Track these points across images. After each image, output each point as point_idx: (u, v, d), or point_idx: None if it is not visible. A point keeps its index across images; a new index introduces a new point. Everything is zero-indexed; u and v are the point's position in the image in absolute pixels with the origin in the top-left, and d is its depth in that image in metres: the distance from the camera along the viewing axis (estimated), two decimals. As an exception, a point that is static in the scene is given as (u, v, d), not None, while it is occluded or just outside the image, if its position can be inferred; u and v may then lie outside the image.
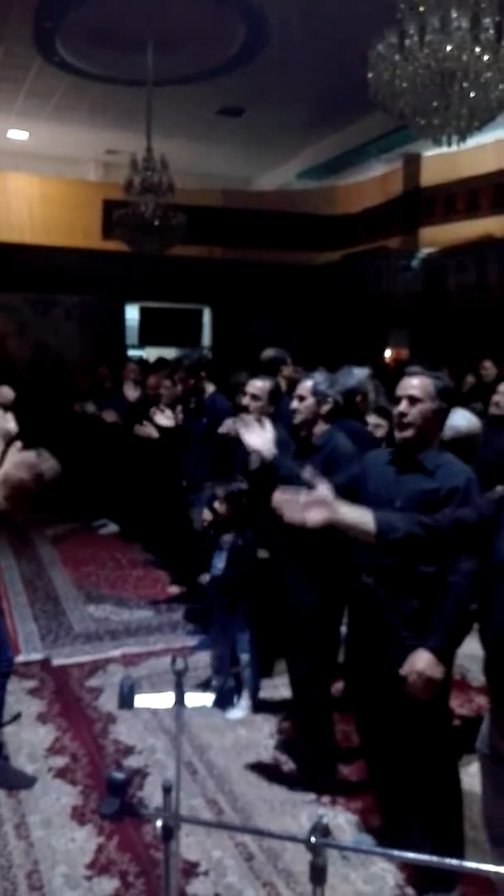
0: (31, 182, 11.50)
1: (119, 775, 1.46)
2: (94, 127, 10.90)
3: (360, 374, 3.75)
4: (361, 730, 2.90)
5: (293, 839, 1.31)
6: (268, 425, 3.05)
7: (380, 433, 3.85)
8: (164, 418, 4.78)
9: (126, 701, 1.53)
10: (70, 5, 7.40)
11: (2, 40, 8.19)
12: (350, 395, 3.64)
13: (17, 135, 11.22)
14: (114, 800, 1.43)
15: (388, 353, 11.01)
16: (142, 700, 1.59)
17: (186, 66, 8.73)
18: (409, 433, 2.62)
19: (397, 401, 2.68)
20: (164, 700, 1.60)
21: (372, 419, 3.89)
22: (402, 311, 10.83)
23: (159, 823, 1.65)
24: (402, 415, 2.63)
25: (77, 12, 7.51)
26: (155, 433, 4.91)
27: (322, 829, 1.31)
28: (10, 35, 8.04)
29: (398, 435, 2.67)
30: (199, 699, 1.50)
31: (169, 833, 1.64)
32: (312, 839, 1.29)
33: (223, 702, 3.61)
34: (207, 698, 1.48)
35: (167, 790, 1.65)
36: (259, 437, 3.01)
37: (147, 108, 8.44)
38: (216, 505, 4.00)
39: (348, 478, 2.80)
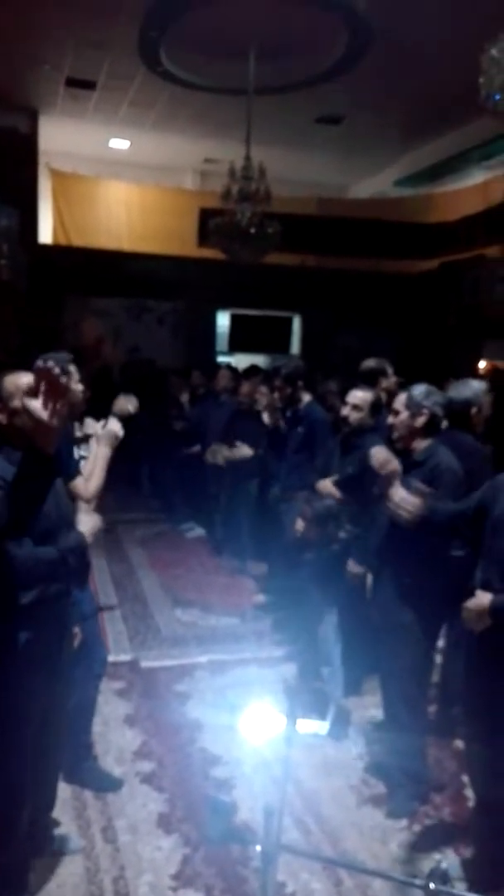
0: (130, 190, 11.76)
1: (225, 799, 1.42)
2: (193, 136, 11.06)
3: (476, 385, 3.61)
4: (471, 767, 2.77)
5: (411, 884, 1.24)
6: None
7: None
8: (268, 416, 4.72)
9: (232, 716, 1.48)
10: (176, 15, 7.52)
11: (108, 51, 8.40)
12: (464, 406, 3.52)
13: (119, 143, 11.50)
14: (218, 824, 1.39)
15: (482, 365, 10.70)
16: (249, 723, 1.53)
17: (287, 75, 8.74)
18: None
19: None
20: (274, 725, 1.54)
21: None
22: (500, 321, 10.50)
23: (258, 848, 1.60)
24: None
25: (182, 22, 7.62)
26: (249, 453, 4.89)
27: (441, 875, 1.23)
28: (117, 46, 8.24)
29: None
30: (313, 726, 1.43)
31: (269, 860, 1.58)
32: (431, 885, 1.21)
33: (336, 731, 3.50)
34: (322, 727, 1.41)
35: (269, 815, 1.59)
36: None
37: (247, 117, 8.48)
38: (299, 525, 3.94)
39: (475, 500, 2.68)
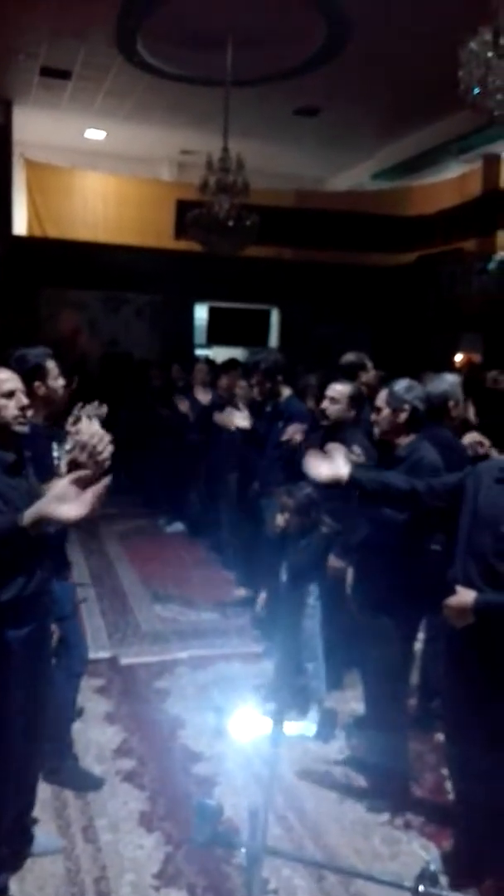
0: (107, 181, 11.63)
1: (211, 803, 1.40)
2: (170, 127, 10.95)
3: (451, 379, 3.60)
4: (450, 761, 2.78)
5: (399, 886, 1.23)
6: (336, 453, 2.79)
7: (482, 451, 3.62)
8: (241, 419, 4.70)
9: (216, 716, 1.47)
10: (153, 4, 7.42)
11: (84, 40, 8.27)
12: (441, 401, 3.51)
13: (95, 134, 11.35)
14: (205, 827, 1.37)
15: (458, 358, 10.76)
16: (236, 726, 1.52)
17: (265, 66, 8.67)
18: None
19: None
20: (259, 727, 1.52)
21: (469, 437, 3.65)
22: (476, 314, 10.56)
23: (244, 850, 1.58)
24: None
25: (160, 12, 7.53)
26: (233, 424, 4.86)
27: (430, 877, 1.22)
28: (93, 35, 8.11)
29: None
30: (300, 728, 1.41)
31: (254, 862, 1.56)
32: (420, 888, 1.20)
33: (324, 733, 3.49)
34: (309, 728, 1.38)
35: (254, 816, 1.57)
36: (328, 469, 2.73)
37: (225, 107, 8.41)
38: (281, 516, 3.92)
39: (455, 479, 2.67)
